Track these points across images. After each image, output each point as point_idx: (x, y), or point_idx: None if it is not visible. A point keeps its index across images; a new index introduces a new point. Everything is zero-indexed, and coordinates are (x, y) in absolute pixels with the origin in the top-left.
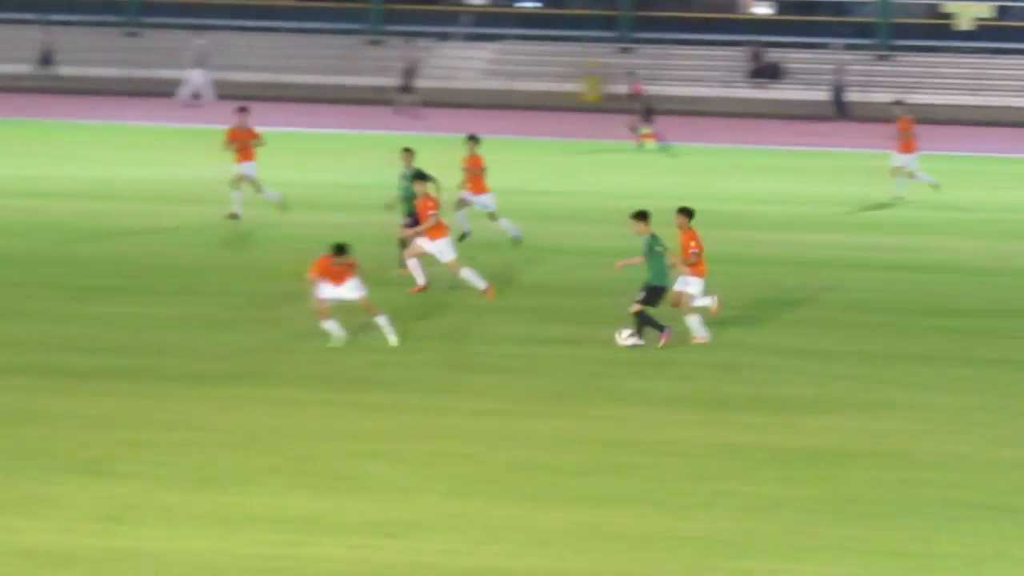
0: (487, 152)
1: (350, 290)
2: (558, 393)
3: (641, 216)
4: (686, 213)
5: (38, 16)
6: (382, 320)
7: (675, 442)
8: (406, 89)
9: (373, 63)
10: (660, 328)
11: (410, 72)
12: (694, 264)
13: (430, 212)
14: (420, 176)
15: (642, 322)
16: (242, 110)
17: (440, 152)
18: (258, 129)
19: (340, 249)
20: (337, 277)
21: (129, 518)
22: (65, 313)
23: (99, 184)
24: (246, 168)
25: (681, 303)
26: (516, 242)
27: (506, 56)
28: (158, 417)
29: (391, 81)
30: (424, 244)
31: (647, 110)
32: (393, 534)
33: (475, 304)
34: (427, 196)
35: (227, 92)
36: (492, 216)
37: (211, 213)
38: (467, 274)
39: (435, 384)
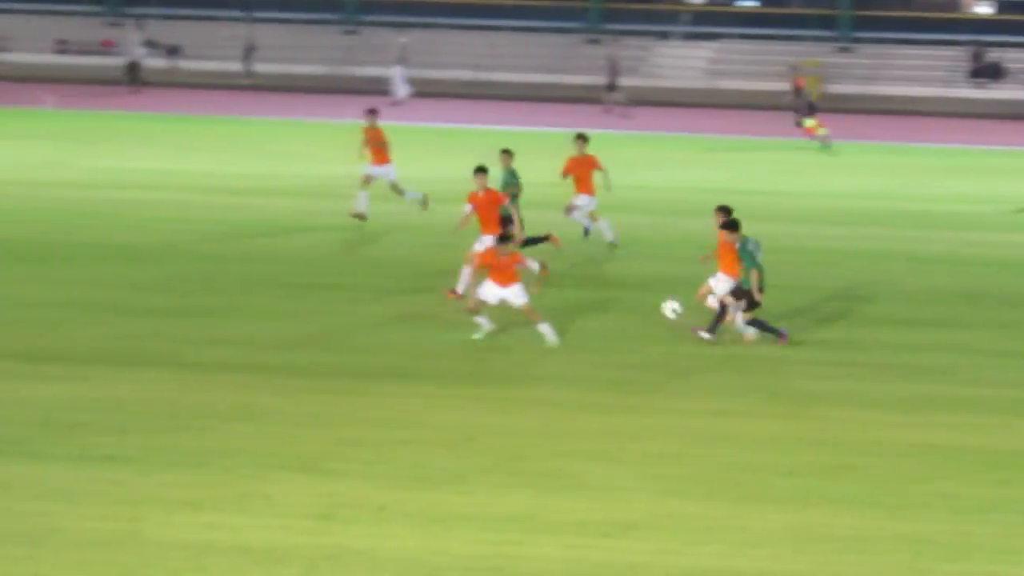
0: (700, 151)
1: (513, 295)
2: (769, 394)
3: (727, 214)
4: (725, 212)
5: (245, 14)
6: (544, 328)
7: (883, 443)
8: (612, 87)
9: (589, 62)
10: (776, 332)
11: (614, 70)
12: (722, 259)
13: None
14: (480, 170)
15: (759, 327)
16: (371, 112)
17: (650, 150)
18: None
19: (504, 238)
20: (502, 273)
21: (343, 516)
22: (281, 310)
23: (312, 181)
24: (382, 171)
25: (700, 295)
26: (612, 246)
27: (724, 55)
28: (373, 415)
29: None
30: (477, 245)
31: (809, 105)
32: (607, 533)
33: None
34: (489, 190)
35: (433, 90)
36: (593, 216)
37: (428, 212)
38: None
39: (647, 384)
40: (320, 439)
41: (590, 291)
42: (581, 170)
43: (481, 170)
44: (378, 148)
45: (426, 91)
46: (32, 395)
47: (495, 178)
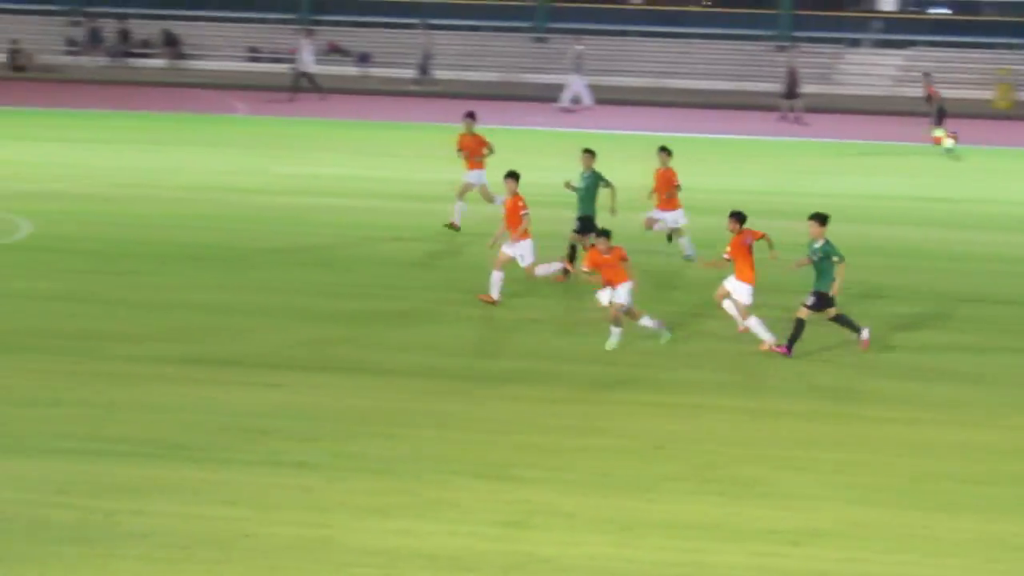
0: (884, 157)
1: (619, 295)
2: (961, 402)
3: (821, 219)
4: (738, 218)
5: (420, 20)
6: (647, 321)
7: None
8: (790, 95)
9: (777, 69)
10: (857, 329)
11: (793, 78)
12: (739, 265)
13: (523, 213)
14: (511, 175)
15: (841, 323)
16: (469, 116)
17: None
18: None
19: (603, 232)
20: (611, 270)
21: (532, 523)
22: (462, 316)
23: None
24: (474, 176)
25: (718, 296)
26: (688, 260)
27: (915, 63)
28: (560, 422)
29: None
30: (506, 248)
31: (939, 111)
32: (796, 542)
33: (876, 311)
34: (517, 196)
35: (615, 97)
36: (679, 232)
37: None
38: (542, 269)
39: (835, 392)
40: (509, 446)
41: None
42: (662, 184)
43: (511, 175)
44: (473, 154)
45: (609, 98)
46: (223, 401)
47: (577, 178)
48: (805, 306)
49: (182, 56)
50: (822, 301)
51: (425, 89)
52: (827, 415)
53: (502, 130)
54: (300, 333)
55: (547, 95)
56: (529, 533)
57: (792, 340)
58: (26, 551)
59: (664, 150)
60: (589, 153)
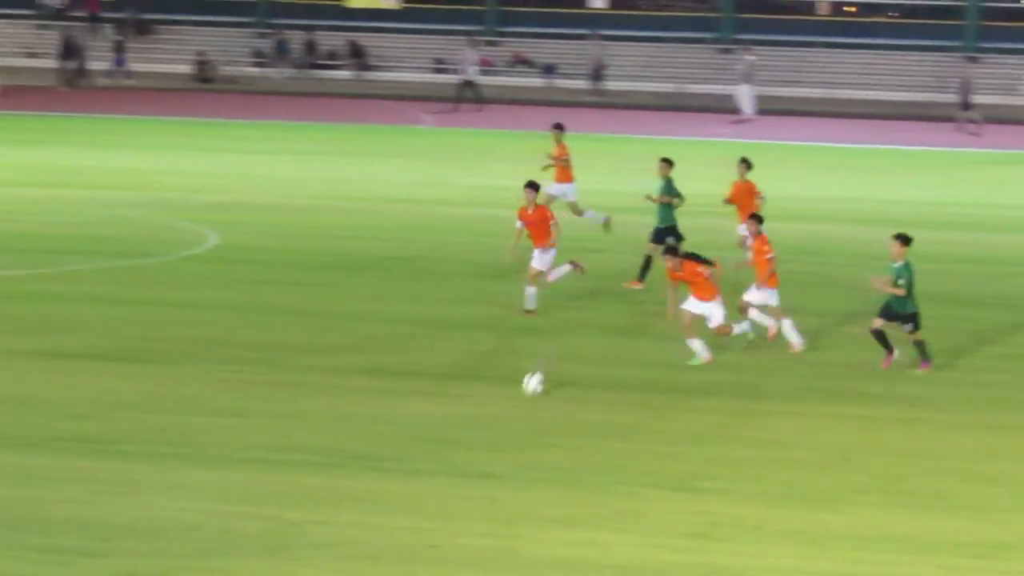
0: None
1: (711, 309)
2: None
3: (904, 240)
4: (756, 219)
5: (590, 31)
6: (740, 328)
7: None
8: (966, 106)
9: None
10: (888, 349)
11: (967, 89)
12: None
13: (552, 222)
14: (530, 185)
15: (877, 338)
16: (558, 127)
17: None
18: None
19: (668, 250)
20: (698, 287)
21: (718, 535)
22: (648, 328)
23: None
24: (560, 189)
25: (741, 306)
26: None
27: None
28: (746, 434)
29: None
30: (534, 261)
31: None
32: (981, 555)
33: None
34: (543, 207)
35: (785, 108)
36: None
37: (800, 231)
38: (554, 275)
39: (1017, 403)
40: (694, 457)
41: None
42: (741, 197)
43: (531, 186)
44: (562, 166)
45: (778, 109)
46: (408, 412)
47: (655, 187)
48: (908, 333)
49: (368, 67)
50: (914, 318)
51: (599, 100)
52: (1005, 427)
53: (672, 141)
54: (484, 343)
55: (724, 106)
56: (715, 545)
57: (924, 355)
58: (213, 561)
59: (744, 162)
60: (666, 162)
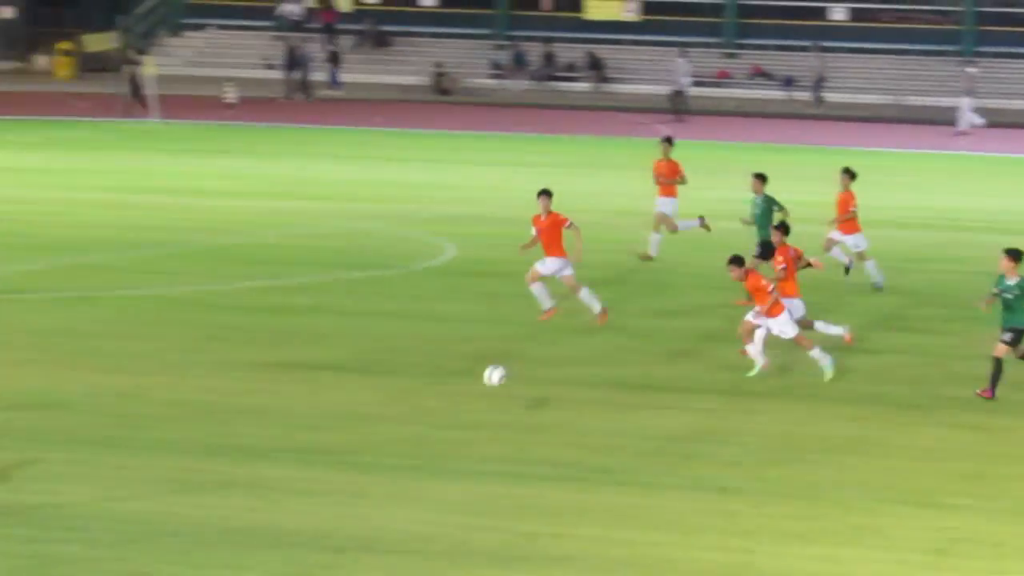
0: None
1: (779, 324)
2: None
3: (1015, 256)
4: (782, 229)
5: (813, 43)
6: (815, 353)
7: None
8: None
9: None
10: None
11: None
12: (782, 281)
13: (566, 226)
14: (544, 193)
15: (995, 367)
16: (667, 141)
17: None
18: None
19: (733, 259)
20: (764, 298)
21: (958, 551)
22: (902, 344)
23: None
24: (667, 204)
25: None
26: (876, 288)
27: None
28: (990, 449)
29: None
30: (538, 265)
31: None
32: None
33: None
34: (556, 213)
35: (1006, 120)
36: (862, 256)
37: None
38: (584, 295)
39: None
40: (936, 473)
41: None
42: (842, 207)
43: (544, 193)
44: (667, 180)
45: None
46: (648, 424)
47: (749, 203)
48: (1003, 343)
49: (606, 79)
50: (1019, 337)
51: (820, 112)
52: None
53: (888, 153)
54: (723, 358)
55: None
56: (955, 561)
57: (994, 381)
58: (446, 573)
59: (847, 172)
60: (759, 178)
